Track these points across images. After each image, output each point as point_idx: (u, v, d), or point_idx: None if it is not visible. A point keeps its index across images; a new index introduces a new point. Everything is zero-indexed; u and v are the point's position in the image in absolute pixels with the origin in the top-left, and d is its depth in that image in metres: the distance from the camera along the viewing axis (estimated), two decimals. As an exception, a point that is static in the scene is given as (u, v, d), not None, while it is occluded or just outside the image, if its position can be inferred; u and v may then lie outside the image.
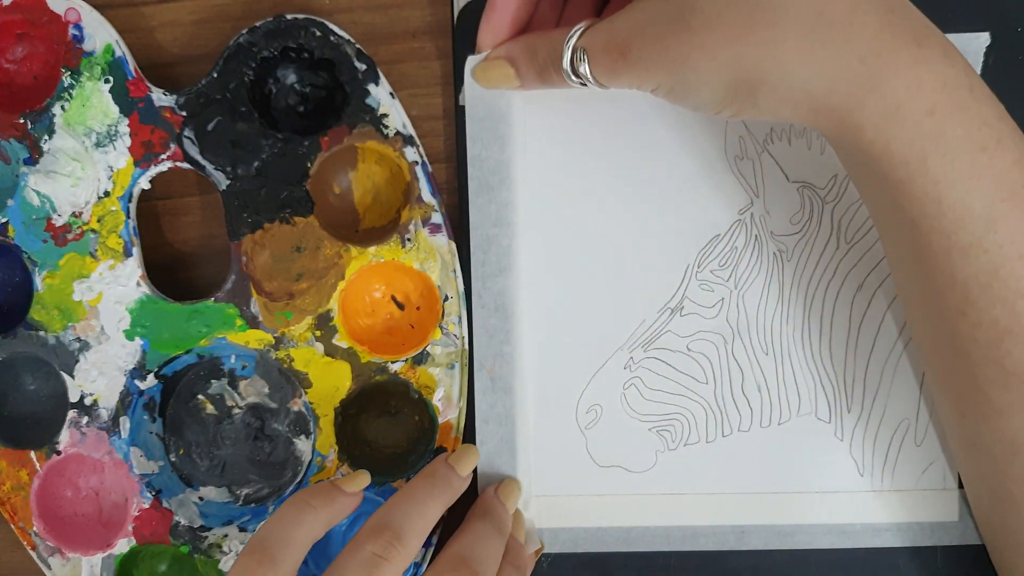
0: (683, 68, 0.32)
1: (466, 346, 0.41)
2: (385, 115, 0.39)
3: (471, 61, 0.39)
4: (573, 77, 0.35)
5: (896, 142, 0.30)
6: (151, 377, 0.41)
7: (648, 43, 0.32)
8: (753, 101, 0.31)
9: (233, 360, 0.42)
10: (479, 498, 0.40)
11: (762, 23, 0.30)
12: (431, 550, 0.41)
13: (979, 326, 0.32)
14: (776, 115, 0.32)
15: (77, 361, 0.40)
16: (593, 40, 0.34)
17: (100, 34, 0.39)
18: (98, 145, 0.39)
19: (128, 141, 0.39)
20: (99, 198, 0.40)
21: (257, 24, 0.39)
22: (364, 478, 0.38)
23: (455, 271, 0.40)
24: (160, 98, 0.39)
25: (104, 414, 0.41)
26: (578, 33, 0.34)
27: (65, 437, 0.41)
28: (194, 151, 0.40)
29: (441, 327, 0.40)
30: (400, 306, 0.42)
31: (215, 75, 0.39)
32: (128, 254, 0.40)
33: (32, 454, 0.41)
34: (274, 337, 0.40)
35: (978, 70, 0.39)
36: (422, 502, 0.36)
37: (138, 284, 0.40)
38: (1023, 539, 0.35)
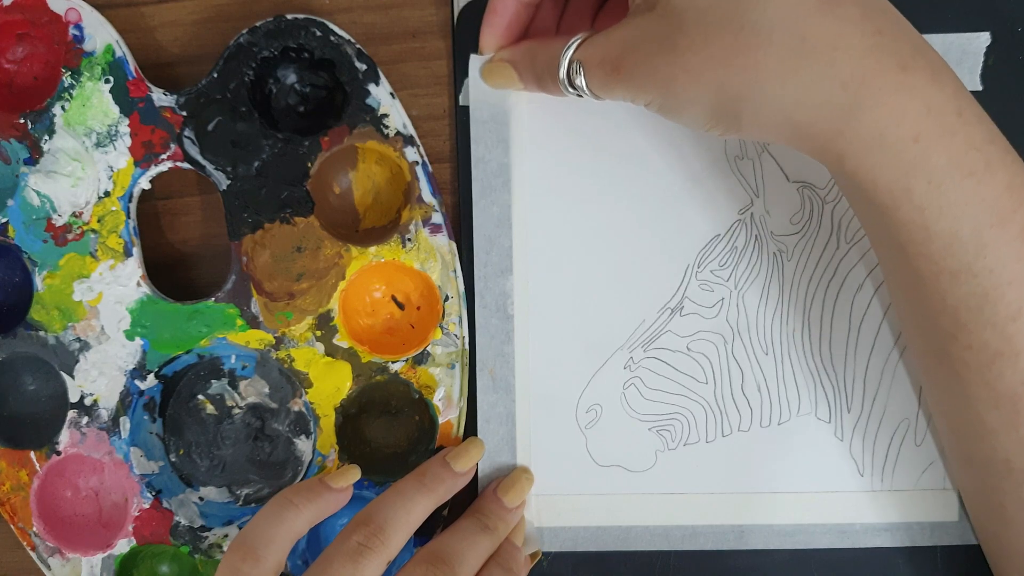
0: (670, 88, 0.32)
1: (466, 346, 0.41)
2: (385, 115, 0.39)
3: (475, 60, 0.39)
4: (569, 88, 0.35)
5: (879, 170, 0.30)
6: (151, 377, 0.41)
7: (639, 61, 0.32)
8: (737, 123, 0.32)
9: (233, 360, 0.42)
10: (477, 496, 0.40)
11: (745, 47, 0.30)
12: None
13: (970, 349, 0.32)
14: (760, 137, 0.32)
15: (77, 361, 0.40)
16: (588, 53, 0.34)
17: (100, 34, 0.39)
18: (98, 145, 0.39)
19: (128, 141, 0.39)
20: (99, 198, 0.40)
21: (257, 24, 0.39)
22: (353, 473, 0.38)
23: (455, 271, 0.40)
24: (160, 98, 0.39)
25: (104, 414, 0.41)
26: (574, 45, 0.35)
27: (65, 437, 0.41)
28: (194, 151, 0.40)
29: (441, 327, 0.40)
30: (400, 306, 0.42)
31: (215, 75, 0.39)
32: (128, 254, 0.40)
33: (32, 454, 0.41)
34: (274, 337, 0.40)
35: (978, 70, 0.39)
36: (410, 498, 0.36)
37: (138, 284, 0.40)
38: (1017, 552, 0.35)
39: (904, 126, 0.29)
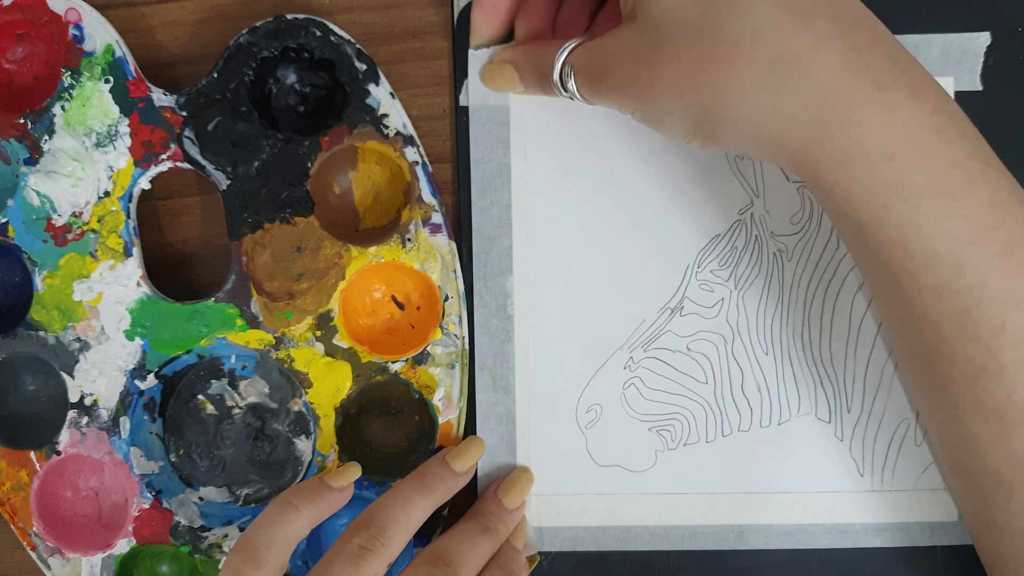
0: (650, 100, 0.32)
1: (466, 346, 0.41)
2: (385, 115, 0.39)
3: (474, 57, 0.40)
4: (563, 91, 0.36)
5: (854, 188, 0.30)
6: (151, 377, 0.41)
7: (623, 71, 0.32)
8: (714, 137, 0.31)
9: (233, 360, 0.42)
10: (478, 498, 0.40)
11: (720, 61, 0.29)
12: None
13: (954, 363, 0.32)
14: (739, 150, 0.32)
15: (77, 361, 0.40)
16: (579, 59, 0.34)
17: (100, 34, 0.39)
18: (98, 145, 0.39)
19: (128, 141, 0.39)
20: (99, 198, 0.40)
21: (257, 24, 0.39)
22: (353, 471, 0.38)
23: (455, 271, 0.40)
24: (160, 98, 0.39)
25: (104, 414, 0.41)
26: (568, 49, 0.35)
27: (65, 437, 0.41)
28: (194, 151, 0.40)
29: (441, 327, 0.40)
30: (400, 306, 0.42)
31: (215, 75, 0.39)
32: (128, 254, 0.40)
33: (32, 454, 0.41)
34: (274, 337, 0.40)
35: (978, 70, 0.39)
36: (409, 499, 0.36)
37: (138, 284, 0.40)
38: (1011, 563, 0.35)
39: (878, 145, 0.29)
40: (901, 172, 0.29)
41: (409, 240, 0.40)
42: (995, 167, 0.30)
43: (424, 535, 0.40)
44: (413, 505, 0.36)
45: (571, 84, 0.35)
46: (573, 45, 0.35)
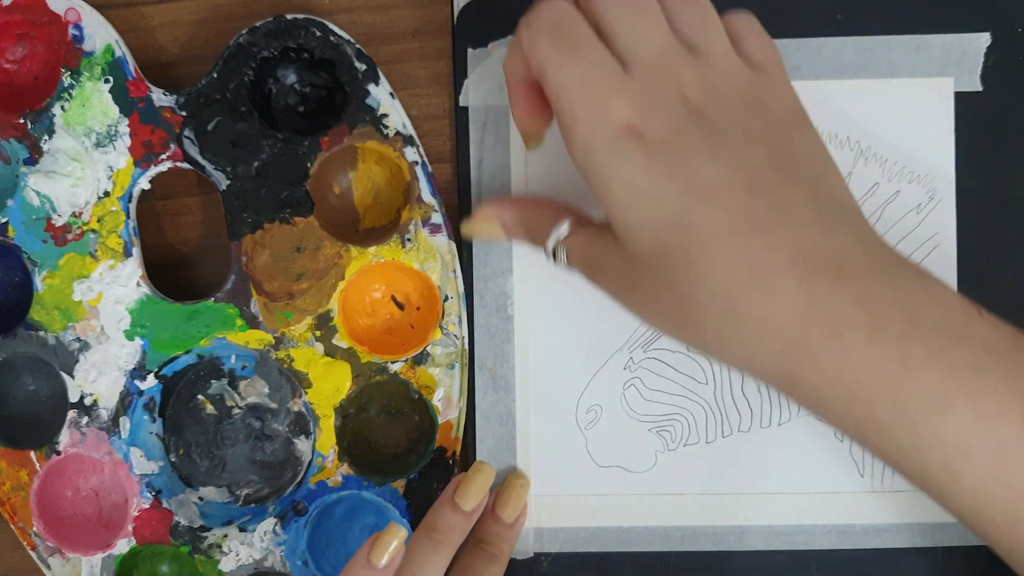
0: (635, 313, 0.33)
1: (466, 346, 0.41)
2: (385, 115, 0.39)
3: (473, 57, 0.40)
4: (554, 263, 0.36)
5: (831, 421, 0.31)
6: (151, 377, 0.41)
7: (608, 281, 0.34)
8: (704, 357, 0.34)
9: (233, 360, 0.42)
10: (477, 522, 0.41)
11: (687, 313, 0.31)
12: None
13: (956, 498, 0.31)
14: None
15: (77, 361, 0.40)
16: (573, 248, 0.35)
17: (100, 34, 0.39)
18: (98, 145, 0.39)
19: (128, 141, 0.39)
20: (99, 198, 0.40)
21: (257, 24, 0.39)
22: (398, 536, 0.36)
23: (455, 271, 0.40)
24: (160, 98, 0.39)
25: (104, 414, 0.41)
26: (560, 235, 0.35)
27: (65, 437, 0.41)
28: (194, 151, 0.40)
29: (441, 327, 0.40)
30: (400, 306, 0.42)
31: (215, 75, 0.39)
32: (128, 254, 0.40)
33: (32, 454, 0.41)
34: (274, 337, 0.40)
35: (978, 70, 0.39)
36: (426, 560, 0.37)
37: (138, 284, 0.40)
38: None
39: (838, 389, 0.29)
40: (866, 409, 0.29)
41: (409, 240, 0.40)
42: (985, 372, 0.29)
43: None
44: (431, 567, 0.37)
45: (562, 258, 0.35)
46: (565, 232, 0.35)
